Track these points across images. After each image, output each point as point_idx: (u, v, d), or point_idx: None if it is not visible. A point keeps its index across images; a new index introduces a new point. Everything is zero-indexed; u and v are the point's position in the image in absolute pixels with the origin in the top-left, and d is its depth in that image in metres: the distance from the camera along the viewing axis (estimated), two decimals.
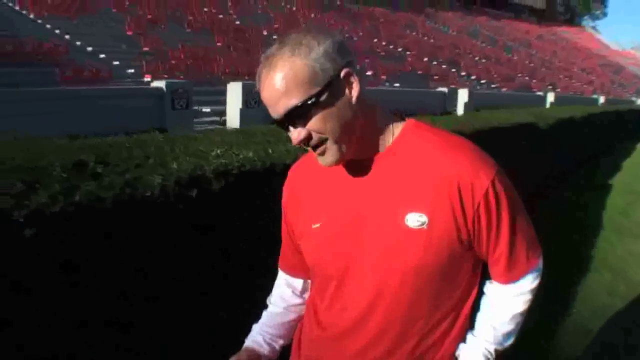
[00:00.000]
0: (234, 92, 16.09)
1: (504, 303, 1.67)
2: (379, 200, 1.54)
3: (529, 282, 1.65)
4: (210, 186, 2.57)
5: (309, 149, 1.53)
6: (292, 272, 1.91)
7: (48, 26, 21.64)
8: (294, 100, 1.42)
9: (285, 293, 1.94)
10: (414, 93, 24.74)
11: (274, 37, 30.42)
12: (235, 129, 3.96)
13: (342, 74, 1.46)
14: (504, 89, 38.28)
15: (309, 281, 1.88)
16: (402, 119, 1.65)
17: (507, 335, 1.68)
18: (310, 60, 1.42)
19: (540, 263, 1.67)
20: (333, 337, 1.67)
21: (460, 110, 23.60)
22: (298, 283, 1.92)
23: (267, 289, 1.91)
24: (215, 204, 2.60)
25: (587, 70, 64.26)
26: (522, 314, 1.68)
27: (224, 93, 16.79)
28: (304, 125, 1.46)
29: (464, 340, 1.66)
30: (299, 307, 1.93)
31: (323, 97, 1.44)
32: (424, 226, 1.48)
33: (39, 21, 21.98)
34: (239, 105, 15.89)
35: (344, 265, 1.60)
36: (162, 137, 3.32)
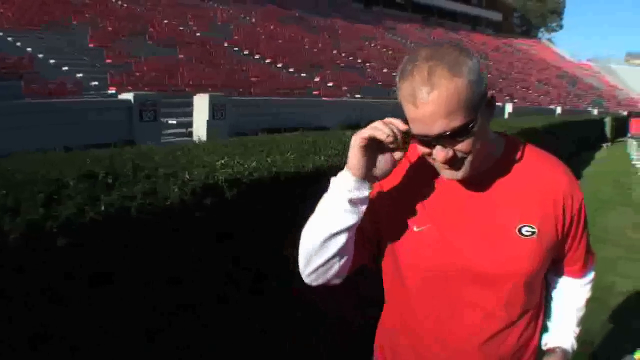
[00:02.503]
0: (201, 104, 16.16)
1: (580, 292, 1.91)
2: (493, 211, 1.63)
3: (593, 273, 1.93)
4: (223, 195, 2.63)
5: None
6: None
7: (9, 39, 21.38)
8: (453, 124, 1.41)
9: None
10: (374, 105, 25.04)
11: (235, 48, 30.46)
12: (229, 139, 4.03)
13: (489, 95, 1.50)
14: None
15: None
16: (499, 134, 1.74)
17: (583, 318, 1.93)
18: (470, 82, 1.41)
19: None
20: (453, 345, 1.69)
21: None
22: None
23: (278, 297, 1.95)
24: (229, 212, 2.67)
25: (544, 82, 65.43)
26: (589, 299, 1.93)
27: (189, 105, 16.81)
28: (453, 145, 1.46)
29: (545, 329, 1.86)
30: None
31: (477, 122, 1.45)
32: (535, 236, 1.62)
33: (0, 34, 21.72)
34: (206, 117, 15.95)
35: (455, 272, 1.63)
36: (158, 148, 3.37)
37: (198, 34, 30.95)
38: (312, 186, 2.17)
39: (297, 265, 1.69)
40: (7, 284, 1.86)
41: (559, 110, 40.82)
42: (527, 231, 1.61)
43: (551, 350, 1.85)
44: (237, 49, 30.96)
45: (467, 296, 1.64)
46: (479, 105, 1.45)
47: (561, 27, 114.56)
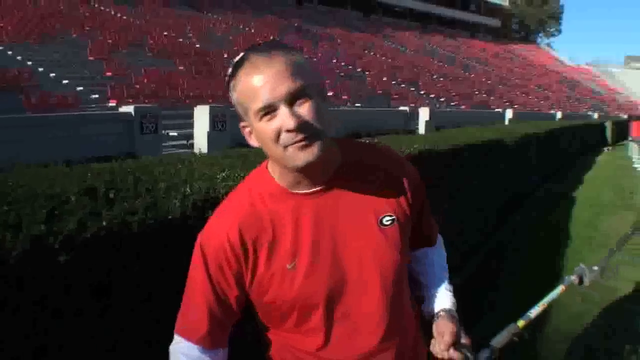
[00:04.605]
0: (201, 115, 16.16)
1: (437, 254, 2.05)
2: (350, 215, 1.67)
3: (440, 236, 2.10)
4: None
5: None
6: (213, 344, 1.78)
7: (10, 53, 21.45)
8: (297, 84, 1.49)
9: None
10: (378, 113, 25.10)
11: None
12: (222, 151, 4.02)
13: (321, 85, 1.62)
14: (463, 107, 38.80)
15: (225, 350, 1.82)
16: (332, 138, 1.73)
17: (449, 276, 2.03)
18: (305, 60, 1.59)
19: None
20: (353, 352, 1.70)
21: (421, 129, 23.91)
22: (215, 354, 1.79)
23: None
24: None
25: (544, 87, 65.51)
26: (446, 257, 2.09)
27: (189, 116, 16.82)
28: (298, 112, 1.49)
29: (422, 295, 1.96)
30: None
31: (320, 90, 1.58)
32: (396, 222, 1.70)
33: (0, 48, 21.78)
34: (207, 128, 15.96)
35: (339, 290, 1.65)
36: (159, 161, 3.37)
37: (197, 45, 31.01)
38: None
39: None
40: (10, 299, 1.86)
41: (559, 115, 40.76)
42: (388, 220, 1.69)
43: (437, 315, 1.86)
44: None
45: (355, 311, 1.68)
46: (315, 83, 1.56)
47: (560, 31, 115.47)
